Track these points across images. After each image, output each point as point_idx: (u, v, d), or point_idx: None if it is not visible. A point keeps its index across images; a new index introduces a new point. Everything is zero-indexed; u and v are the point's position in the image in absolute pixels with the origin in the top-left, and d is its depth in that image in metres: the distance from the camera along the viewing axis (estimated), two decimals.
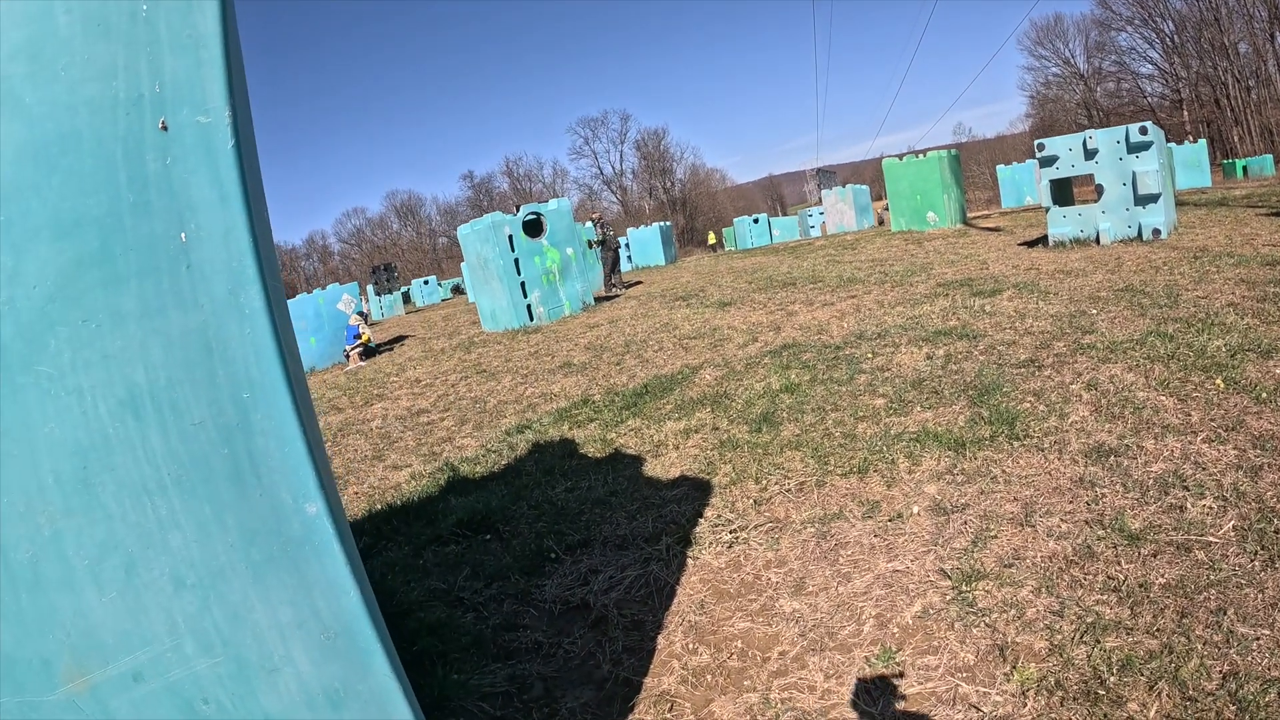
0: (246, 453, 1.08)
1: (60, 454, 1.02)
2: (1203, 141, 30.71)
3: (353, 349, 14.88)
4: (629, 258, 29.01)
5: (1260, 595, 2.51)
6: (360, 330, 15.21)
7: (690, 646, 2.93)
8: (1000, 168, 34.66)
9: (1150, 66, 63.21)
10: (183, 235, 1.08)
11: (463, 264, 20.81)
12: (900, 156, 19.31)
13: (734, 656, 2.82)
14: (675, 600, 3.28)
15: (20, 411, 0.99)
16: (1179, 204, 14.81)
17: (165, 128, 1.09)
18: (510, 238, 13.77)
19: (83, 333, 1.03)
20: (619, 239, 20.48)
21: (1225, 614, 2.45)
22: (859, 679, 2.55)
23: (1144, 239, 10.22)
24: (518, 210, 14.34)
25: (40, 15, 1.00)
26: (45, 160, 1.02)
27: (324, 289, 16.64)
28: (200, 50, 1.07)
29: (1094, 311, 6.51)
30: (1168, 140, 21.10)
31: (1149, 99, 63.09)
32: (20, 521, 1.01)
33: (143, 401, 1.04)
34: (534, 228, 14.31)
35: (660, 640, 3.02)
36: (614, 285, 17.78)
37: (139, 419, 1.04)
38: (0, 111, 0.99)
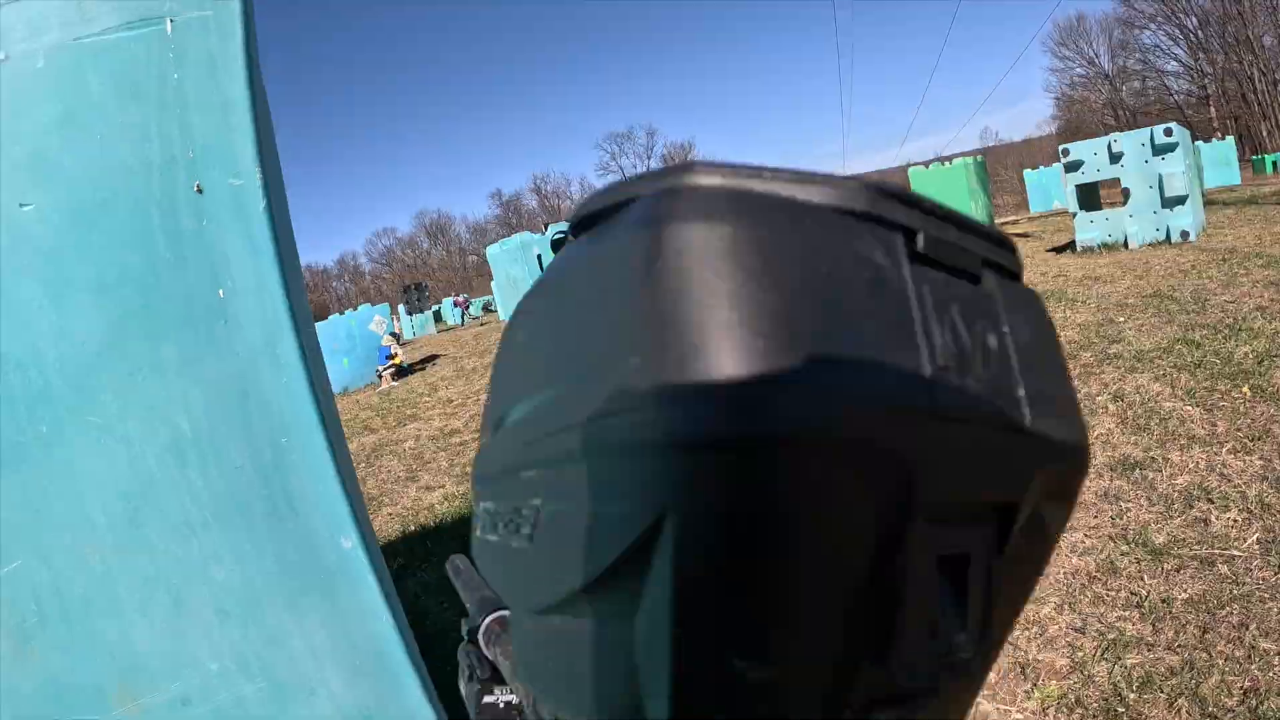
0: (283, 491, 1.16)
1: (110, 496, 1.12)
2: (1230, 138, 30.22)
3: (385, 369, 15.08)
4: None
5: None
6: (393, 350, 15.42)
7: None
8: (1028, 172, 34.41)
9: (1175, 64, 62.33)
10: (220, 291, 1.17)
11: (493, 282, 21.16)
12: (926, 164, 19.27)
13: None
14: None
15: (72, 459, 1.09)
16: (1208, 203, 14.60)
17: (200, 190, 1.18)
18: (539, 257, 13.93)
19: (128, 384, 1.12)
20: None
21: (1247, 629, 2.45)
22: None
23: (1172, 242, 10.10)
24: (545, 229, 14.51)
25: (75, 85, 1.09)
26: (86, 222, 1.12)
27: (355, 310, 16.93)
28: (230, 115, 1.16)
29: (1121, 319, 6.46)
30: (1195, 138, 20.80)
31: (1175, 97, 62.19)
32: (73, 558, 1.11)
33: (185, 446, 1.13)
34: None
35: None
36: None
37: (182, 463, 1.13)
38: (41, 178, 1.09)
